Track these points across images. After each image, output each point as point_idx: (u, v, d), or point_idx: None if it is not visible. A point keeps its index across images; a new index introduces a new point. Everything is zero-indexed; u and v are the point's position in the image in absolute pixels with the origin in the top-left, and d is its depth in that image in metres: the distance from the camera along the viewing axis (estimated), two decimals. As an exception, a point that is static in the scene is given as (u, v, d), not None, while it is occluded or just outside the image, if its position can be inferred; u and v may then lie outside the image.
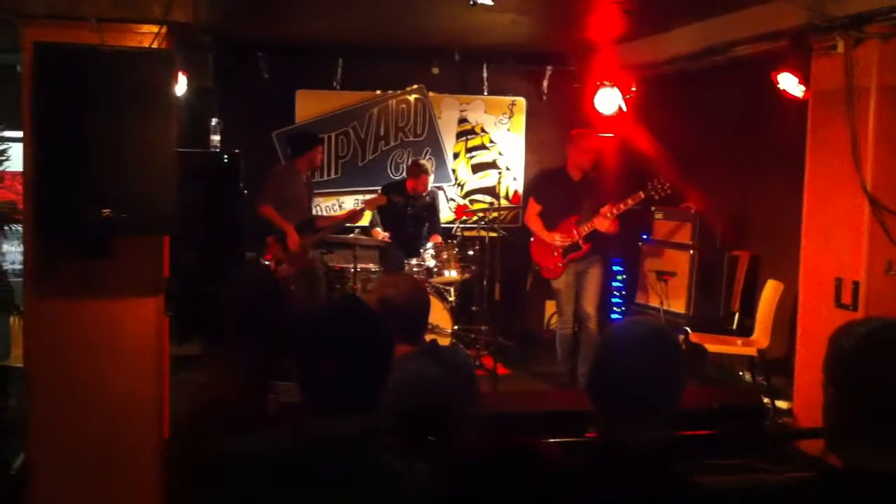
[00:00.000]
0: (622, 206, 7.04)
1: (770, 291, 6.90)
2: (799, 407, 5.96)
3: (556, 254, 7.31)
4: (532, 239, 7.58)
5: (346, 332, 2.20)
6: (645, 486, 2.05)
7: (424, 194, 8.35)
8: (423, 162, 8.54)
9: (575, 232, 7.22)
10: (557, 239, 7.26)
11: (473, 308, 8.60)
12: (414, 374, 3.26)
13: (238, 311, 2.58)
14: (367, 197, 8.65)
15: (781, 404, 6.49)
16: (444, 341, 7.63)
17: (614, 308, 8.85)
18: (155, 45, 4.53)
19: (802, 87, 5.69)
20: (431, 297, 7.61)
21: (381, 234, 8.25)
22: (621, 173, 8.05)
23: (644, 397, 2.12)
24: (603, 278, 7.58)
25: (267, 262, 7.40)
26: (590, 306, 7.38)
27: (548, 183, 7.69)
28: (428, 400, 3.15)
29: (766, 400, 6.53)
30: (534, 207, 7.54)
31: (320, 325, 2.25)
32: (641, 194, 6.96)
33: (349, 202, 9.18)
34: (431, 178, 8.42)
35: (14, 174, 8.48)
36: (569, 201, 7.33)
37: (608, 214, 7.07)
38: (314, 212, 8.42)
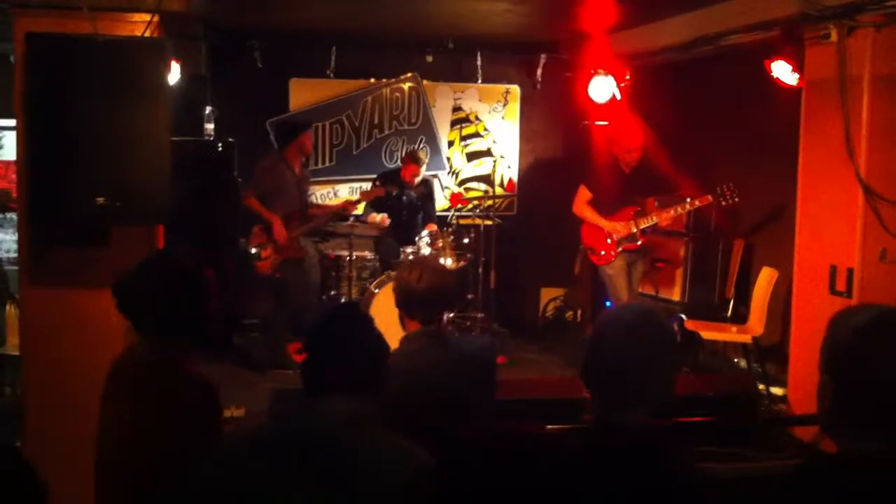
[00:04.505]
0: (688, 206, 7.00)
1: (764, 279, 6.91)
2: (793, 393, 5.99)
3: (609, 241, 7.27)
4: (584, 223, 7.49)
5: (347, 331, 2.38)
6: (639, 469, 2.07)
7: (415, 184, 8.34)
8: (417, 153, 8.50)
9: (633, 224, 7.19)
10: (619, 227, 7.22)
11: (469, 296, 8.61)
12: (404, 354, 3.27)
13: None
14: (364, 187, 8.66)
15: (776, 391, 6.52)
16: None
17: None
18: (147, 34, 4.52)
19: (796, 76, 5.69)
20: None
21: (377, 217, 8.21)
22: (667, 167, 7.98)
23: (635, 381, 2.15)
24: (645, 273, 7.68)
25: (253, 251, 7.43)
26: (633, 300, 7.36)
27: (601, 173, 7.55)
28: (416, 379, 3.16)
29: (760, 387, 6.57)
30: (584, 195, 7.40)
31: (322, 326, 2.42)
32: (710, 197, 6.89)
33: (344, 190, 9.18)
34: (423, 168, 8.39)
35: (8, 163, 8.48)
36: (622, 192, 7.28)
37: (672, 213, 7.06)
38: (311, 200, 8.39)
